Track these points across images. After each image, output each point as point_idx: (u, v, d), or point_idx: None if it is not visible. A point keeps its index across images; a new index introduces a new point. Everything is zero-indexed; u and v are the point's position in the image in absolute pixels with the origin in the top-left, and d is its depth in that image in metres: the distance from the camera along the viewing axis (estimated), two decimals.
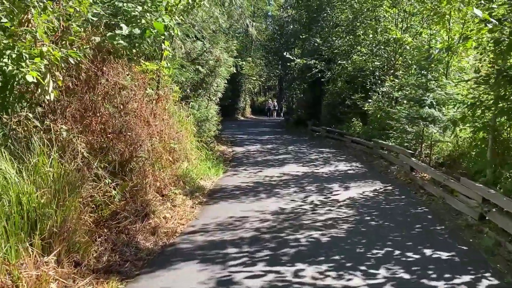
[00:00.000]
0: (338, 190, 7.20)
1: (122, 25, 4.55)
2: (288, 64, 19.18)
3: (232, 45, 13.54)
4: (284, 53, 19.11)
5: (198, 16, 11.82)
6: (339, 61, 16.33)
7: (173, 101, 6.99)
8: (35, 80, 3.40)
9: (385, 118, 11.13)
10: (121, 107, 4.78)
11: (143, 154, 4.93)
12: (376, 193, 7.03)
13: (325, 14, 19.31)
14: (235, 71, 14.13)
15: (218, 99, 13.68)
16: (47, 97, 3.67)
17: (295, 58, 18.79)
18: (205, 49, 12.24)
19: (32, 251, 3.08)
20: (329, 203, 6.31)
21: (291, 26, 31.14)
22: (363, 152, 11.86)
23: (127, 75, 5.10)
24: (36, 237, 3.15)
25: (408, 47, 11.79)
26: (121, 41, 4.48)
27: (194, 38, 12.08)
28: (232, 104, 33.75)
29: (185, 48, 11.80)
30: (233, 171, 9.16)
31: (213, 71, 11.76)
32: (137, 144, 4.80)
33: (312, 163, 10.18)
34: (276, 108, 41.13)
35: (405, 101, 10.94)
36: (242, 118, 36.32)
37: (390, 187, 7.51)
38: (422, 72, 8.99)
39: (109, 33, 4.58)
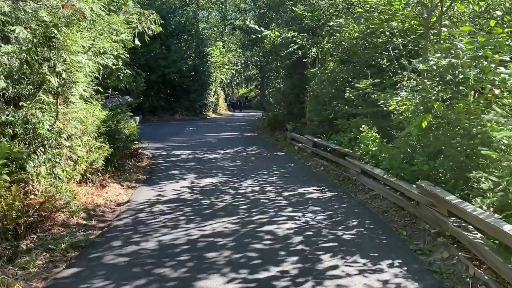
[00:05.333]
0: None
1: None
2: (254, 37, 12.75)
3: None
4: (246, 22, 12.56)
5: None
6: (330, 24, 9.80)
7: None
8: None
9: (455, 136, 4.69)
10: None
11: None
12: None
13: None
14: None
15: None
16: None
17: (262, 29, 12.25)
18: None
19: None
20: None
21: None
22: (395, 206, 5.44)
23: None
24: None
25: None
26: None
27: None
28: (197, 99, 27.11)
29: None
30: None
31: (52, 38, 5.18)
32: None
33: (275, 267, 3.76)
34: (234, 101, 37.23)
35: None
36: (213, 116, 29.72)
37: None
38: None
39: None
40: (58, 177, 5.95)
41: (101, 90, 7.31)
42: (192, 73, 25.79)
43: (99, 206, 6.06)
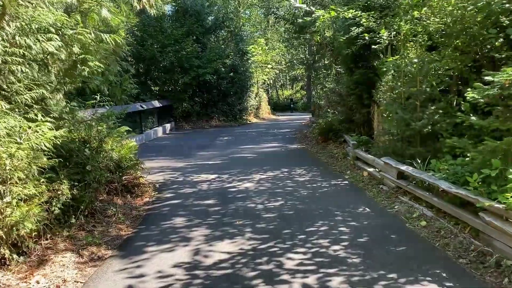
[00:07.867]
0: None
1: None
2: (301, 20, 9.41)
3: None
4: (292, 1, 9.26)
5: None
6: None
7: None
8: None
9: None
10: None
11: None
12: None
13: None
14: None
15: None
16: None
17: (313, 9, 8.88)
18: None
19: None
20: None
21: None
22: None
23: None
24: None
25: None
26: None
27: None
28: (236, 103, 24.00)
29: None
30: None
31: None
32: None
33: None
34: None
35: None
36: (254, 121, 26.50)
37: None
38: None
39: None
40: None
41: (48, 95, 4.34)
42: (231, 73, 22.84)
43: None
